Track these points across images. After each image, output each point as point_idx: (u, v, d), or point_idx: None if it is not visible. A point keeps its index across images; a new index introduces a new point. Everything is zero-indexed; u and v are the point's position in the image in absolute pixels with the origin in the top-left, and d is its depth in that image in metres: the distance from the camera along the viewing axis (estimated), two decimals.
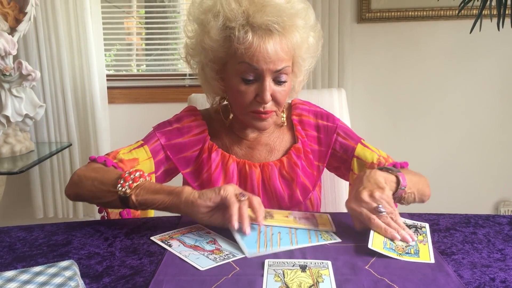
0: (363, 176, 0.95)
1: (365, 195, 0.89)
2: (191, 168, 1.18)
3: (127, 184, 0.96)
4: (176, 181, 1.19)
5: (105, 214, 1.10)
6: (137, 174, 0.97)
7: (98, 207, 1.10)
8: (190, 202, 0.90)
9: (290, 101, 1.28)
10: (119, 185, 0.96)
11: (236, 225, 0.86)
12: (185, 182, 1.20)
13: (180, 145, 1.17)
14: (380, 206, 0.88)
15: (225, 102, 1.20)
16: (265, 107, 1.08)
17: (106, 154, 1.12)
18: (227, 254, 0.81)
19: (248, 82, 1.06)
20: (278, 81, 1.07)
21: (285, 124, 1.21)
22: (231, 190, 0.90)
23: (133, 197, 0.95)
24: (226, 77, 1.12)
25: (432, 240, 0.87)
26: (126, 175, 0.97)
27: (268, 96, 1.06)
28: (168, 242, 0.87)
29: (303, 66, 1.14)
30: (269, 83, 1.06)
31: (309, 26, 1.11)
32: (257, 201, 0.92)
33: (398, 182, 0.98)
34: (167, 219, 1.01)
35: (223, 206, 0.90)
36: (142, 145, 1.14)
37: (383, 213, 0.88)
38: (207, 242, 0.87)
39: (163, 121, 1.21)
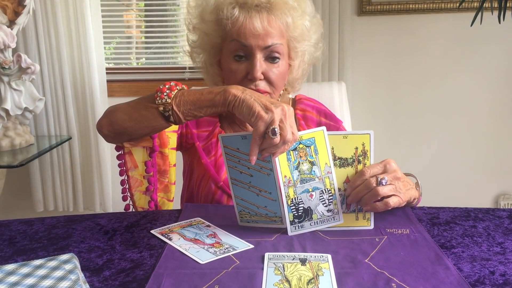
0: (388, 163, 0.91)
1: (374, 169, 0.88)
2: (203, 145, 1.19)
3: (165, 94, 0.91)
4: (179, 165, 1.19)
5: (130, 203, 1.10)
6: (172, 83, 0.93)
7: (122, 196, 1.09)
8: (231, 109, 0.87)
9: (294, 96, 1.28)
10: (157, 98, 0.91)
11: (253, 161, 0.82)
12: (192, 157, 1.21)
13: (196, 121, 1.20)
14: (385, 178, 0.86)
15: None
16: (257, 85, 1.08)
17: None
18: (227, 248, 0.81)
19: (240, 59, 1.08)
20: (270, 58, 1.08)
21: None
22: (263, 121, 0.81)
23: (175, 108, 0.90)
24: (222, 62, 1.14)
25: (432, 234, 0.87)
26: (161, 87, 0.92)
27: (258, 73, 1.06)
28: (168, 236, 0.87)
29: (298, 48, 1.14)
30: (259, 60, 1.07)
31: (304, 11, 1.12)
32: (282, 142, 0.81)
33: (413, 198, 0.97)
34: (168, 212, 1.01)
35: None
36: None
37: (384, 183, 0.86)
38: (207, 236, 0.87)
39: None
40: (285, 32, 1.09)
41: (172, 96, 0.91)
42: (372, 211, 0.89)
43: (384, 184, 0.86)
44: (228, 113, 1.20)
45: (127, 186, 1.10)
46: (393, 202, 0.87)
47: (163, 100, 0.90)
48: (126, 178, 1.09)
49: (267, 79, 1.09)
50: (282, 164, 0.85)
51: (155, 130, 0.99)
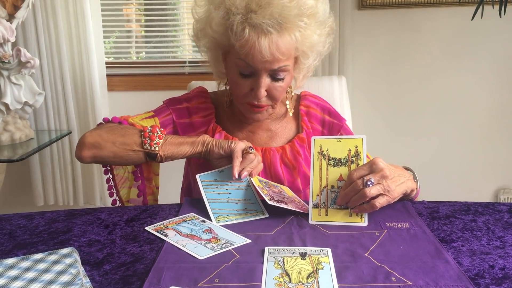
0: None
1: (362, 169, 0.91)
2: None
3: (154, 142, 1.03)
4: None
5: (117, 198, 1.14)
6: (158, 130, 1.04)
7: (109, 192, 1.14)
8: (209, 150, 1.04)
9: (299, 93, 1.28)
10: (146, 144, 1.03)
11: (236, 174, 0.97)
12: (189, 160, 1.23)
13: (188, 124, 1.20)
14: (371, 180, 0.88)
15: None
16: (260, 101, 1.10)
17: (120, 117, 1.13)
18: (224, 243, 0.81)
19: (245, 76, 1.08)
20: (275, 78, 1.08)
21: (291, 113, 1.21)
22: (240, 145, 1.01)
23: (160, 153, 1.03)
24: (228, 64, 1.13)
25: (432, 228, 0.87)
26: (149, 133, 1.03)
27: (262, 93, 1.07)
28: (163, 232, 0.87)
29: (305, 64, 1.14)
30: (264, 80, 1.07)
31: (316, 24, 1.08)
32: (257, 160, 1.02)
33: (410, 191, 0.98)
34: (168, 207, 1.01)
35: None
36: (153, 116, 1.17)
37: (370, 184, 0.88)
38: (203, 231, 0.87)
39: (173, 97, 1.24)
40: (291, 51, 1.06)
41: (160, 144, 1.03)
42: (361, 212, 0.90)
43: (370, 185, 0.87)
44: (228, 106, 1.23)
45: (112, 184, 1.14)
46: (380, 203, 0.88)
47: (152, 147, 1.03)
48: (110, 176, 1.14)
49: (269, 95, 1.10)
50: (257, 183, 0.99)
51: (136, 164, 1.11)
